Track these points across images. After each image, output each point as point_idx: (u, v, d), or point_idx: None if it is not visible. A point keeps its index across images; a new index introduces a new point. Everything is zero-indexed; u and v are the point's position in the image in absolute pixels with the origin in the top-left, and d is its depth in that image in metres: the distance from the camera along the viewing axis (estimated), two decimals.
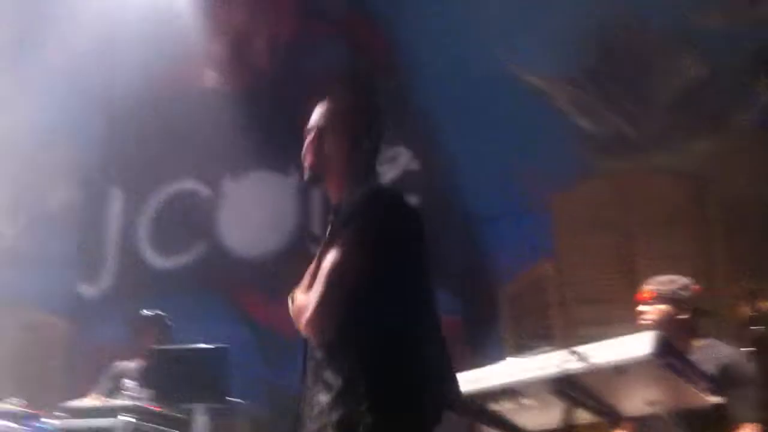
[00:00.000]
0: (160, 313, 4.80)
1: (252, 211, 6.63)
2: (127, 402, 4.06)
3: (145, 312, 4.83)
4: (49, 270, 6.43)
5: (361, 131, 2.42)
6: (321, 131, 2.41)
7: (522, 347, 3.38)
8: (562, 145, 5.66)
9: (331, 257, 2.18)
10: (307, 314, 2.17)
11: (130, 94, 6.46)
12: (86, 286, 6.70)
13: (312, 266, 2.28)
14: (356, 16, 6.69)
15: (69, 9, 6.14)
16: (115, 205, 6.94)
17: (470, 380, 2.55)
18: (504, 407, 2.65)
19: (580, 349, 2.38)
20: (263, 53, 6.86)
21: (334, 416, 2.14)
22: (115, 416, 3.90)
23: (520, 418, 2.76)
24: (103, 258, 6.81)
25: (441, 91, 6.02)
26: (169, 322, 4.68)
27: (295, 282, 2.30)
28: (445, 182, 6.16)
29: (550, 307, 5.46)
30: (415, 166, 6.37)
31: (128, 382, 4.81)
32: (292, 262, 6.38)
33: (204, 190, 6.79)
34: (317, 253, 2.27)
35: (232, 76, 6.78)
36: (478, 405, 2.63)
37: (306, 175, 2.42)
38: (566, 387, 2.42)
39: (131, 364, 4.79)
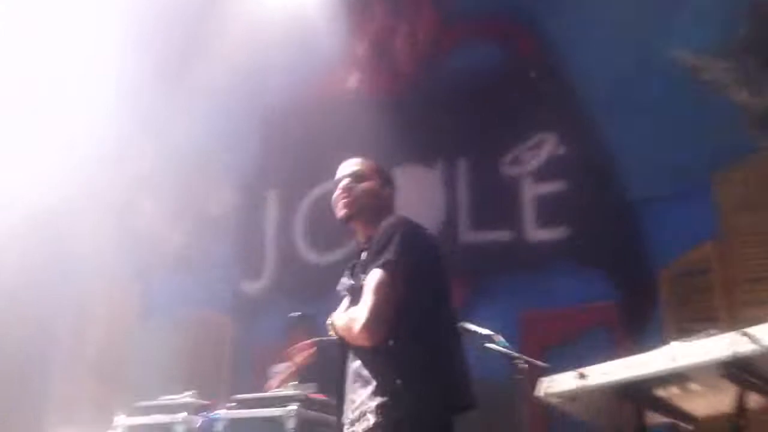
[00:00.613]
0: (304, 314, 5.23)
1: (400, 206, 6.71)
2: (293, 392, 4.22)
3: (293, 314, 5.19)
4: (214, 271, 6.81)
5: (383, 181, 3.04)
6: (353, 180, 2.98)
7: (684, 331, 3.27)
8: (721, 122, 5.43)
9: (374, 276, 2.62)
10: (361, 322, 2.59)
11: (282, 101, 6.71)
12: (248, 284, 7.02)
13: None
14: (501, 11, 6.65)
15: (220, 23, 6.45)
16: (272, 206, 7.24)
17: (634, 365, 2.51)
18: (670, 393, 2.58)
19: (752, 330, 2.29)
20: (405, 55, 6.95)
21: (374, 402, 2.54)
22: (282, 405, 4.06)
23: (689, 404, 2.69)
24: (263, 257, 7.12)
25: (593, 73, 5.91)
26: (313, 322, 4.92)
27: None
28: (599, 165, 6.03)
29: (714, 289, 5.25)
30: (561, 151, 6.28)
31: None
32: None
33: None
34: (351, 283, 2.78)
35: (375, 79, 6.93)
36: (645, 391, 2.59)
37: (341, 215, 2.95)
38: (738, 370, 2.33)
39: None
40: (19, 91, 6.13)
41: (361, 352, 2.69)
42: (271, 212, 7.25)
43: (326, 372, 4.21)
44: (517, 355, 3.57)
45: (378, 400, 2.56)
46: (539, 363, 3.53)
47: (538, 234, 6.23)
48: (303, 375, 4.46)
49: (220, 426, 4.20)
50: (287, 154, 6.98)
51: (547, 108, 6.16)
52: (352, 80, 6.98)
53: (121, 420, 4.44)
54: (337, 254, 6.79)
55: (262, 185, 7.20)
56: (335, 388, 2.83)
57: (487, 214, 6.39)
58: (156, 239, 6.61)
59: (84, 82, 6.02)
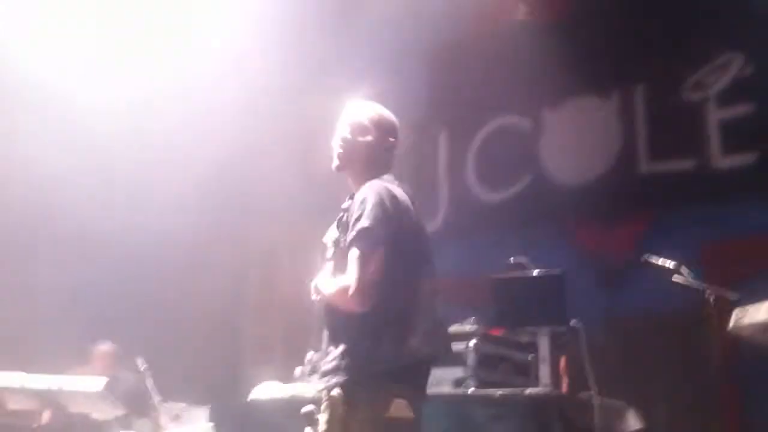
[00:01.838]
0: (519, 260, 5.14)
1: (573, 139, 6.57)
2: (473, 327, 4.28)
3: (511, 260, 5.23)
4: None
5: (383, 136, 3.08)
6: (353, 131, 3.05)
7: None
8: None
9: (356, 244, 2.80)
10: (351, 292, 2.76)
11: (451, 34, 6.66)
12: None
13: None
14: None
15: None
16: (443, 144, 7.26)
17: None
18: None
19: None
20: None
21: (344, 361, 2.81)
22: (462, 341, 4.13)
23: None
24: (437, 197, 7.17)
25: None
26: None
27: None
28: None
29: None
30: (748, 72, 5.89)
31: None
32: (616, 185, 6.25)
33: (525, 123, 6.85)
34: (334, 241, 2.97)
35: (547, 3, 6.74)
36: None
37: (333, 165, 3.07)
38: None
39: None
40: (199, 35, 6.38)
41: (337, 313, 2.90)
42: (443, 150, 7.28)
43: (507, 307, 4.26)
44: (704, 286, 3.44)
45: (348, 358, 2.82)
46: (728, 294, 3.39)
47: (723, 161, 5.90)
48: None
49: None
50: (457, 89, 6.95)
51: (733, 25, 5.76)
52: (522, 7, 6.82)
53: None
54: (510, 191, 6.75)
55: (432, 123, 7.22)
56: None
57: (668, 142, 6.11)
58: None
59: (257, 24, 6.17)
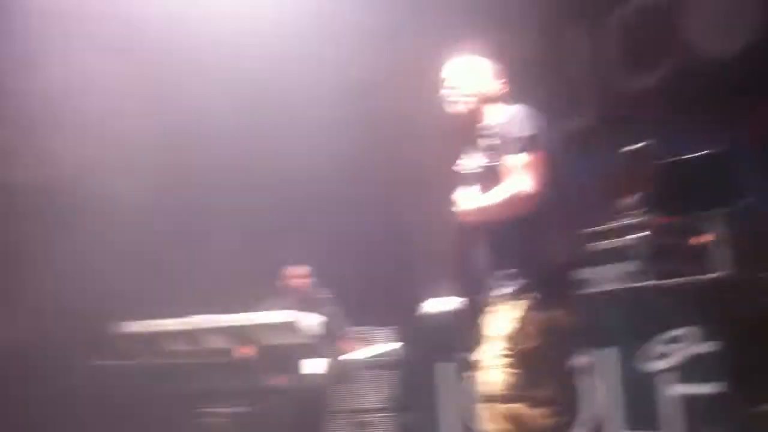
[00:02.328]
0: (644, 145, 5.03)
1: (714, 16, 6.13)
2: (644, 218, 4.21)
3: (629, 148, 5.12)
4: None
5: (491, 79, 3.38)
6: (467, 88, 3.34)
7: None
8: None
9: (522, 154, 3.05)
10: (529, 190, 3.00)
11: None
12: (568, 122, 6.93)
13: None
14: None
15: None
16: (582, 34, 6.99)
17: None
18: None
19: None
20: None
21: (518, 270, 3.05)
22: (634, 233, 4.08)
23: None
24: (580, 89, 6.95)
25: None
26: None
27: None
28: None
29: None
30: None
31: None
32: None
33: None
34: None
35: None
36: None
37: (452, 113, 3.35)
38: None
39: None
40: None
41: (501, 225, 3.11)
42: (583, 41, 7.01)
43: (673, 193, 4.14)
44: None
45: (520, 265, 3.07)
46: None
47: None
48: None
49: None
50: None
51: None
52: None
53: None
54: (653, 77, 6.44)
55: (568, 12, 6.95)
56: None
57: None
58: None
59: None
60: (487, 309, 3.12)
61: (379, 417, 6.01)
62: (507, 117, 3.18)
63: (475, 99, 3.32)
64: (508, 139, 3.10)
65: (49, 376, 5.89)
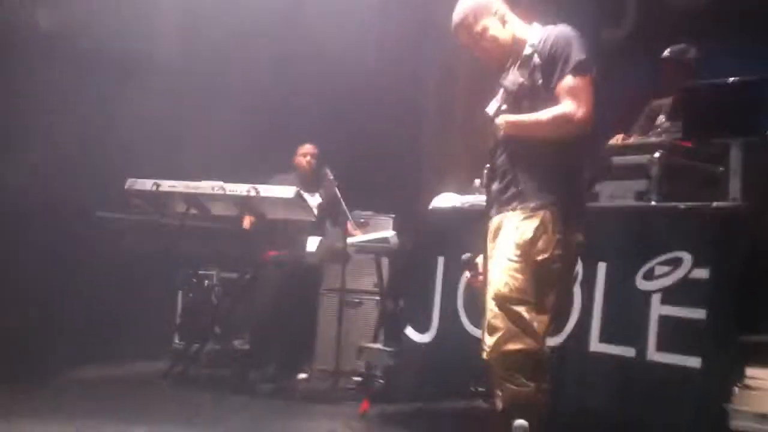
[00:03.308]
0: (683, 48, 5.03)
1: None
2: (659, 139, 4.14)
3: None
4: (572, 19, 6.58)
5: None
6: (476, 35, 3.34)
7: None
8: None
9: (575, 76, 3.13)
10: (582, 113, 3.10)
11: None
12: (610, 31, 6.72)
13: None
14: None
15: None
16: None
17: None
18: None
19: None
20: None
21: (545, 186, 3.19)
22: (649, 153, 4.01)
23: None
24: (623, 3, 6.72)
25: None
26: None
27: None
28: None
29: None
30: None
31: (662, 120, 4.98)
32: None
33: None
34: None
35: None
36: None
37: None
38: None
39: (665, 101, 5.01)
40: None
41: (537, 145, 3.17)
42: None
43: (698, 116, 4.05)
44: None
45: (549, 183, 3.18)
46: None
47: None
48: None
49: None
50: None
51: None
52: None
53: None
54: None
55: None
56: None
57: None
58: None
59: None
60: (507, 216, 3.21)
61: (370, 299, 6.12)
62: (548, 36, 3.21)
63: (484, 35, 3.32)
64: (556, 60, 3.15)
65: (57, 225, 5.98)
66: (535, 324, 3.08)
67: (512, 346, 3.06)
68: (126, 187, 5.85)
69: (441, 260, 4.70)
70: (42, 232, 5.83)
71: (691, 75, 4.92)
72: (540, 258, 3.11)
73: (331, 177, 6.05)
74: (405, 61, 7.28)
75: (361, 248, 5.66)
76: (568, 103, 3.10)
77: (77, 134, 6.08)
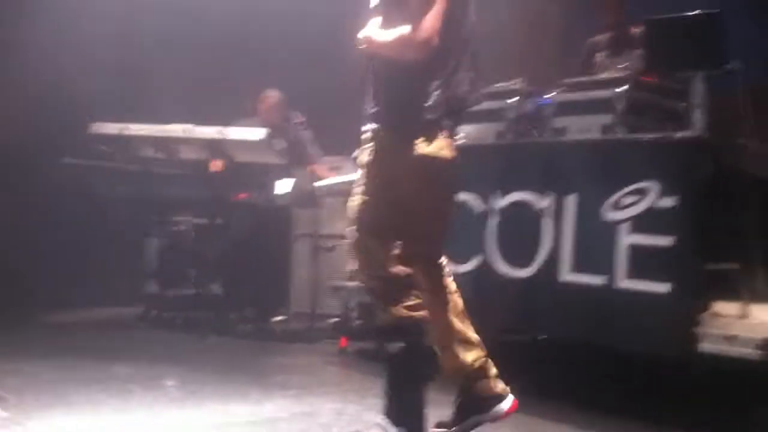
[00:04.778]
0: None
1: None
2: (622, 74, 4.21)
3: None
4: None
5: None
6: None
7: None
8: None
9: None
10: (423, 34, 2.93)
11: None
12: None
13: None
14: None
15: None
16: None
17: None
18: None
19: None
20: None
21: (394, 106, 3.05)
22: (612, 88, 4.09)
23: None
24: None
25: None
26: None
27: None
28: None
29: None
30: None
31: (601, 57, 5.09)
32: None
33: None
34: None
35: None
36: None
37: None
38: None
39: (601, 38, 5.12)
40: None
41: (385, 66, 3.07)
42: None
43: (659, 51, 4.11)
44: None
45: (398, 103, 3.03)
46: None
47: None
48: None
49: (549, 110, 4.35)
50: None
51: None
52: None
53: None
54: None
55: None
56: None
57: None
58: None
59: None
60: (363, 140, 3.18)
61: (341, 243, 6.17)
62: None
63: None
64: None
65: (25, 171, 5.93)
66: (382, 252, 3.07)
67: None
68: (91, 131, 5.81)
69: None
70: (11, 177, 5.79)
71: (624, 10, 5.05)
72: (379, 182, 3.09)
73: (302, 120, 6.05)
74: None
75: (332, 191, 5.69)
76: (413, 26, 2.94)
77: (42, 77, 5.99)
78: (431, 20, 2.94)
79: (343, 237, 6.02)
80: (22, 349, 4.57)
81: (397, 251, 3.09)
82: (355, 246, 3.13)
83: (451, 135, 3.10)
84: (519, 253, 4.12)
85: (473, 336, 3.18)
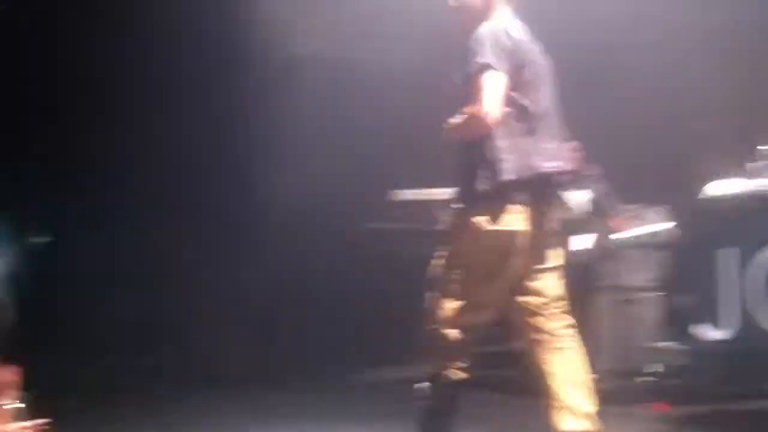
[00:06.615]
0: None
1: None
2: None
3: None
4: None
5: None
6: None
7: None
8: None
9: (478, 77, 3.12)
10: (480, 111, 3.08)
11: None
12: None
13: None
14: None
15: None
16: None
17: None
18: None
19: None
20: None
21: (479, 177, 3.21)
22: None
23: None
24: None
25: None
26: None
27: None
28: None
29: None
30: None
31: None
32: None
33: None
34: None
35: None
36: None
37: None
38: None
39: None
40: None
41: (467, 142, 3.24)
42: None
43: None
44: None
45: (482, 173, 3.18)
46: None
47: None
48: None
49: None
50: None
51: None
52: None
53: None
54: None
55: None
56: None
57: None
58: None
59: None
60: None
61: (646, 296, 5.89)
62: (474, 35, 3.21)
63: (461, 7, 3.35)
64: (468, 61, 3.18)
65: (330, 235, 6.39)
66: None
67: None
68: (391, 197, 6.13)
69: (721, 253, 4.46)
70: (322, 241, 6.26)
71: None
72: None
73: (598, 172, 5.92)
74: None
75: (633, 243, 5.50)
76: (474, 104, 3.11)
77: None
78: (488, 94, 3.08)
79: (646, 289, 5.85)
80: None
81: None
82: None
83: (530, 206, 3.19)
84: None
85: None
